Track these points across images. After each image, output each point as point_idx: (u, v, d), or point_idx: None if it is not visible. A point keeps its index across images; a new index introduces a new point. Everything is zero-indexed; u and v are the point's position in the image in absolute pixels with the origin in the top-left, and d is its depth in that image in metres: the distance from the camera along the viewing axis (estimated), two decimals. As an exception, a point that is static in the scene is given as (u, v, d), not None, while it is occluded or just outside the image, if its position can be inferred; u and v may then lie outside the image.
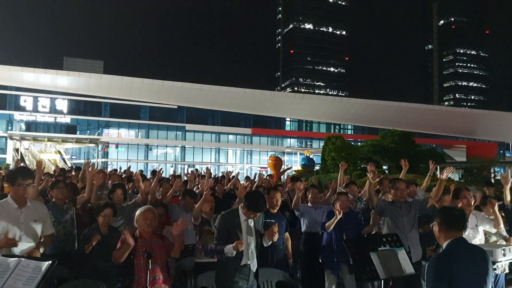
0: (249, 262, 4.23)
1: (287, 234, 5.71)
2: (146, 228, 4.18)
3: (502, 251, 4.55)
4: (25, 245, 3.84)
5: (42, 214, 4.14)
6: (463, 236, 3.08)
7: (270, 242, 4.42)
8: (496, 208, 5.47)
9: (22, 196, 3.92)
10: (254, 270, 4.28)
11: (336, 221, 5.47)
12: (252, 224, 4.29)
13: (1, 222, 3.81)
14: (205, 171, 9.28)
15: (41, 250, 3.99)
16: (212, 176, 11.90)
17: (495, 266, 4.39)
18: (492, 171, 28.51)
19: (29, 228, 3.94)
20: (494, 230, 5.50)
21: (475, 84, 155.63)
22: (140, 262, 3.99)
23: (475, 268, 2.93)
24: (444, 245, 3.04)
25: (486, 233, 5.57)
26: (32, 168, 7.93)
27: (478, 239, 5.25)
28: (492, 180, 19.23)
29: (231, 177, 9.78)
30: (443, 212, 3.20)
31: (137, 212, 4.30)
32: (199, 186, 8.30)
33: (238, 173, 11.04)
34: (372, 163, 5.74)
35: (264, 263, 5.24)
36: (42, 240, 4.09)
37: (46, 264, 3.16)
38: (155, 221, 4.29)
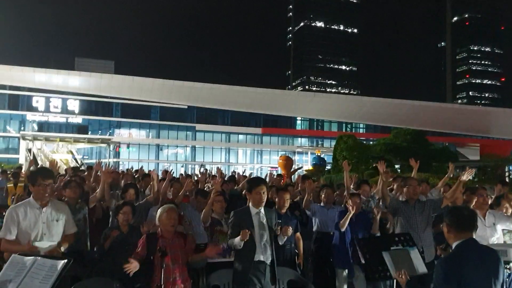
0: (262, 258, 4.27)
1: (298, 234, 5.71)
2: (169, 228, 4.18)
3: (516, 251, 4.49)
4: (46, 244, 3.93)
5: (64, 214, 4.25)
6: (474, 236, 3.03)
7: (285, 238, 4.51)
8: None
9: (43, 196, 4.04)
10: (268, 262, 4.32)
11: (349, 218, 5.48)
12: (264, 220, 4.35)
13: (24, 222, 3.94)
14: (216, 171, 9.29)
15: (63, 248, 4.09)
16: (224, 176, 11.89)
17: (509, 266, 4.34)
18: (506, 169, 28.22)
19: (50, 227, 4.06)
20: None
21: (489, 82, 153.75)
22: (158, 261, 4.00)
23: (484, 269, 2.90)
24: (454, 246, 3.00)
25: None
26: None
27: (495, 238, 5.19)
28: (507, 179, 19.02)
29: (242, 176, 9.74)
30: (452, 212, 3.15)
31: (160, 211, 4.29)
32: (210, 185, 8.29)
33: (251, 173, 10.99)
34: (383, 161, 5.66)
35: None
36: (64, 238, 4.18)
37: (61, 263, 3.23)
38: (177, 221, 4.30)
